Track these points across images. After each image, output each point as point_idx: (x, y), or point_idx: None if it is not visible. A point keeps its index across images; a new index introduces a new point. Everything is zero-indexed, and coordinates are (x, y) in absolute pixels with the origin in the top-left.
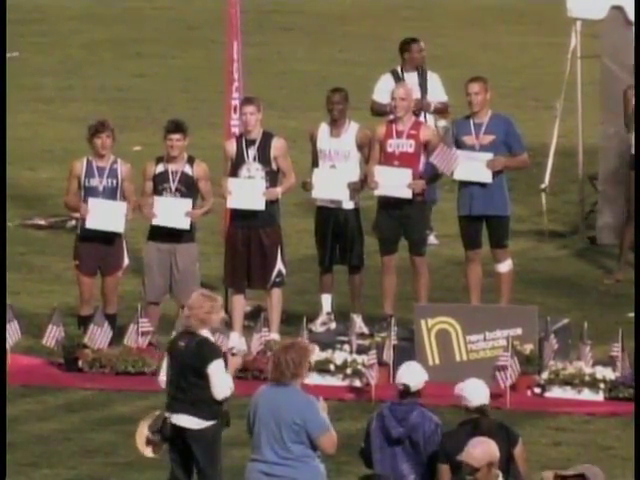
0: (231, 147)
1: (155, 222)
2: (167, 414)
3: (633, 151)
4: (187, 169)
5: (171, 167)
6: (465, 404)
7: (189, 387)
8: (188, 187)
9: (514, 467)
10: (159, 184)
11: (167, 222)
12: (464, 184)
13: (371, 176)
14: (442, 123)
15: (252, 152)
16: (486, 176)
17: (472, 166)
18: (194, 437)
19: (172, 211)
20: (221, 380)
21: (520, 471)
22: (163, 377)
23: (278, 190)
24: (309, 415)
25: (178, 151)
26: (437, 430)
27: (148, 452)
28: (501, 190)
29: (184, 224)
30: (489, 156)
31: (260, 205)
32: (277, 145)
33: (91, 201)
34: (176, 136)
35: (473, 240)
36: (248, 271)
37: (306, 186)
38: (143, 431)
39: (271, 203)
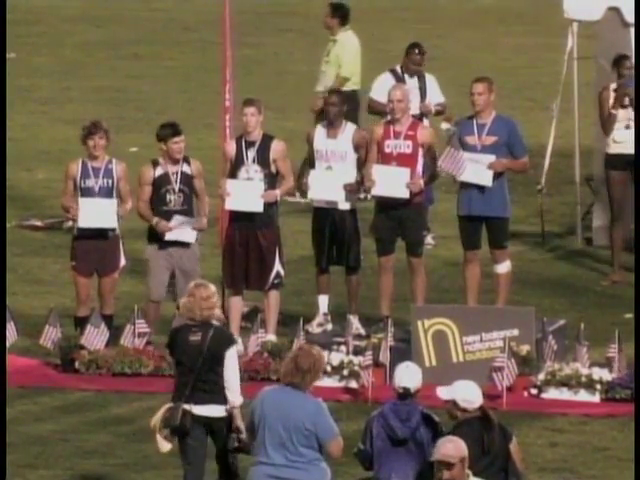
0: (230, 148)
1: (168, 237)
2: (187, 406)
3: (610, 151)
4: (185, 168)
5: (171, 168)
6: (464, 407)
7: (211, 377)
8: (189, 186)
9: (511, 464)
10: (162, 186)
11: (179, 237)
12: (464, 184)
13: (368, 176)
14: (445, 126)
15: (251, 154)
16: (487, 179)
17: (474, 168)
18: (219, 424)
19: (185, 227)
20: (235, 366)
21: (517, 467)
22: None
23: (277, 192)
24: (320, 420)
25: (181, 153)
26: (439, 430)
27: (167, 446)
28: (501, 192)
29: (192, 238)
30: (491, 158)
31: (258, 207)
32: (277, 148)
33: (82, 201)
34: (180, 138)
35: (472, 241)
36: (246, 272)
37: (302, 187)
38: (157, 433)
39: (269, 205)
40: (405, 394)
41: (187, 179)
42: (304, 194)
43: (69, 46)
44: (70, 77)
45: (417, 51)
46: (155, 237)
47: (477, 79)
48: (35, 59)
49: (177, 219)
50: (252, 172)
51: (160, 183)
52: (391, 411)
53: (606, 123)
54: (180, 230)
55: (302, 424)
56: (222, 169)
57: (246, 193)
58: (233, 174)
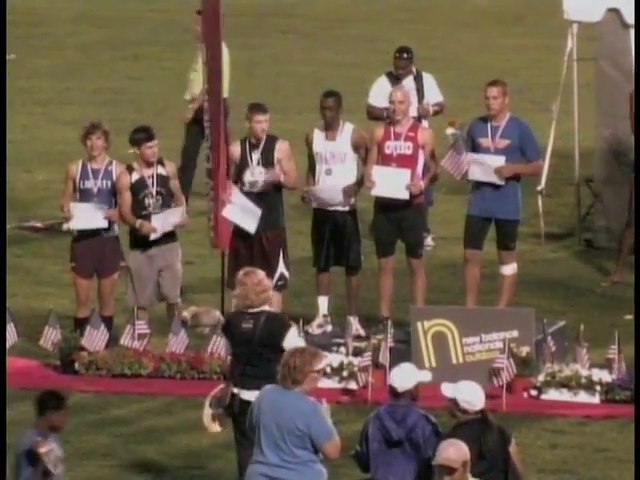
0: (235, 150)
1: (154, 237)
2: (236, 390)
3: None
4: (160, 170)
5: (146, 172)
6: (465, 408)
7: (262, 363)
8: (166, 188)
9: (512, 465)
10: (139, 191)
11: (163, 231)
12: (478, 185)
13: (368, 177)
14: (450, 131)
15: (256, 156)
16: (497, 178)
17: (483, 168)
18: None
19: (168, 222)
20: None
21: (517, 468)
22: None
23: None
24: (314, 422)
25: (155, 157)
26: (435, 431)
27: (216, 427)
28: (514, 195)
29: (176, 220)
30: (500, 160)
31: (251, 229)
32: (281, 148)
33: (72, 205)
34: (154, 143)
35: (475, 240)
36: None
37: (304, 200)
38: (208, 409)
39: (275, 207)
40: (393, 393)
41: (163, 181)
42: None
43: (69, 47)
44: (70, 78)
45: (399, 55)
46: (137, 243)
47: (491, 82)
48: (35, 60)
49: (157, 217)
50: (257, 174)
51: (137, 188)
52: (387, 412)
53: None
54: (163, 225)
55: (294, 424)
56: (228, 170)
57: (246, 214)
58: (238, 176)
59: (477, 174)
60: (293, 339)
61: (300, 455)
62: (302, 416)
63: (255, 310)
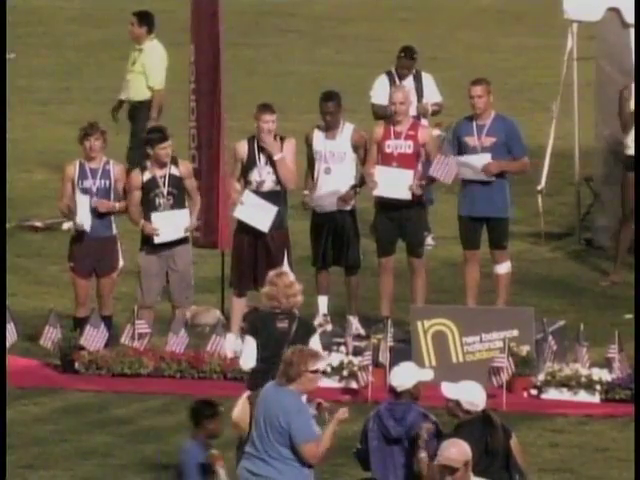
0: (242, 149)
1: (157, 240)
2: None
3: (629, 152)
4: (174, 170)
5: (158, 172)
6: (468, 408)
7: None
8: (178, 188)
9: (513, 460)
10: (150, 191)
11: (168, 237)
12: (466, 184)
13: (369, 177)
14: (436, 132)
15: (264, 156)
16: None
17: (472, 168)
18: None
19: (171, 224)
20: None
21: (519, 462)
22: (252, 363)
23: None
24: (295, 421)
25: (168, 157)
26: (434, 430)
27: (245, 425)
28: (503, 193)
29: (182, 233)
30: (487, 157)
31: (264, 228)
32: (287, 147)
33: (78, 220)
34: (167, 144)
35: (472, 241)
36: (254, 273)
37: (305, 206)
38: (246, 413)
39: (280, 207)
40: (392, 392)
41: (176, 181)
42: (306, 205)
43: (69, 47)
44: (70, 78)
45: (404, 55)
46: (146, 242)
47: (475, 81)
48: (35, 60)
49: (157, 217)
50: (265, 174)
51: (149, 187)
52: (386, 410)
53: (628, 122)
54: (167, 230)
55: (277, 420)
56: (230, 169)
57: (259, 212)
58: (245, 176)
59: (468, 173)
60: (315, 345)
61: (282, 452)
62: (285, 413)
63: (287, 311)
